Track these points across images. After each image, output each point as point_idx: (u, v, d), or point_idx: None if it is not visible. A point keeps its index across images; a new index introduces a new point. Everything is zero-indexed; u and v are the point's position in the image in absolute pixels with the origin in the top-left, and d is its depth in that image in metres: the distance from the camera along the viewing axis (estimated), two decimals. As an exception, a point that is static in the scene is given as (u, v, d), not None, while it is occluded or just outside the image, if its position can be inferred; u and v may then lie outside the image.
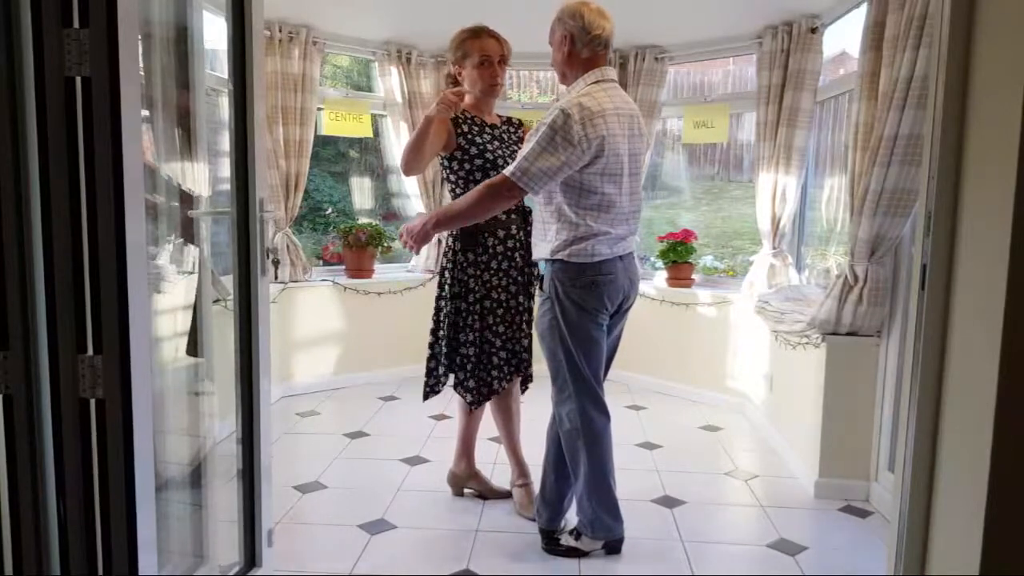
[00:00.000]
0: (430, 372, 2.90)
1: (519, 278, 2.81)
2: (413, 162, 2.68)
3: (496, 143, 2.79)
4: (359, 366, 4.74)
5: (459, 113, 2.74)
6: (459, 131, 2.74)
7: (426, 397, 2.92)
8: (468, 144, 2.73)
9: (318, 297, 4.57)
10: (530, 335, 2.83)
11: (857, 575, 2.47)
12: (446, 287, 2.82)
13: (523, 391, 2.99)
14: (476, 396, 2.82)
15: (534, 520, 2.73)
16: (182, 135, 1.96)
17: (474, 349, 2.77)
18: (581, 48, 2.35)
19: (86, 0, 1.41)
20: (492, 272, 2.77)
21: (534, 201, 2.49)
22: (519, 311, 2.81)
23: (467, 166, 2.73)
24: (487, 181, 2.42)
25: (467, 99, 2.81)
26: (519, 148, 2.71)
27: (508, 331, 2.80)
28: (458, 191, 2.77)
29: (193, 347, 2.03)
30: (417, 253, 2.51)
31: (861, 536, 2.73)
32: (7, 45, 1.42)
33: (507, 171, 2.29)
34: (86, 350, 1.48)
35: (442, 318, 2.84)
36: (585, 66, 2.37)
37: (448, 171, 2.79)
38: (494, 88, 2.76)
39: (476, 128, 2.77)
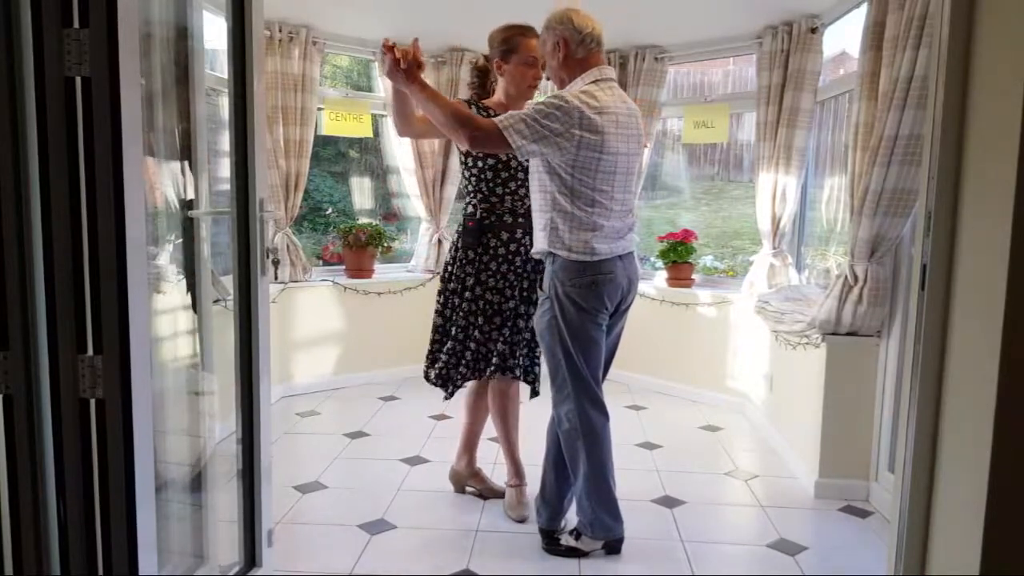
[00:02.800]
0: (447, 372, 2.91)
1: (516, 283, 2.79)
2: (400, 126, 2.66)
3: None
4: (359, 366, 4.74)
5: (482, 111, 2.73)
6: None
7: (448, 395, 2.92)
8: None
9: (318, 297, 4.57)
10: (518, 340, 2.81)
11: (857, 575, 2.47)
12: (445, 281, 2.85)
13: (532, 396, 2.94)
14: (437, 382, 2.84)
15: (521, 522, 2.76)
16: (181, 135, 1.96)
17: (454, 343, 2.79)
18: (576, 49, 2.37)
19: (86, 0, 1.41)
20: (490, 273, 2.76)
21: (531, 191, 2.48)
22: (506, 316, 2.79)
23: (479, 164, 2.73)
24: (476, 116, 2.37)
25: (497, 97, 2.80)
26: None
27: (492, 332, 2.79)
28: (470, 187, 2.78)
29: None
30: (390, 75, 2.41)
31: (861, 536, 2.73)
32: (7, 45, 1.42)
33: (498, 119, 2.27)
34: (86, 350, 1.48)
35: (436, 309, 2.87)
36: (582, 66, 2.38)
37: (464, 167, 2.81)
38: (532, 90, 2.74)
39: None
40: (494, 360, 2.79)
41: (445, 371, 2.82)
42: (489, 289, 2.77)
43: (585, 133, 2.26)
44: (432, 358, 2.90)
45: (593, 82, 2.35)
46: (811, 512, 2.94)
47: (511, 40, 2.69)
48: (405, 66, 2.31)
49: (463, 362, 2.81)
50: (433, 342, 2.90)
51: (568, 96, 2.27)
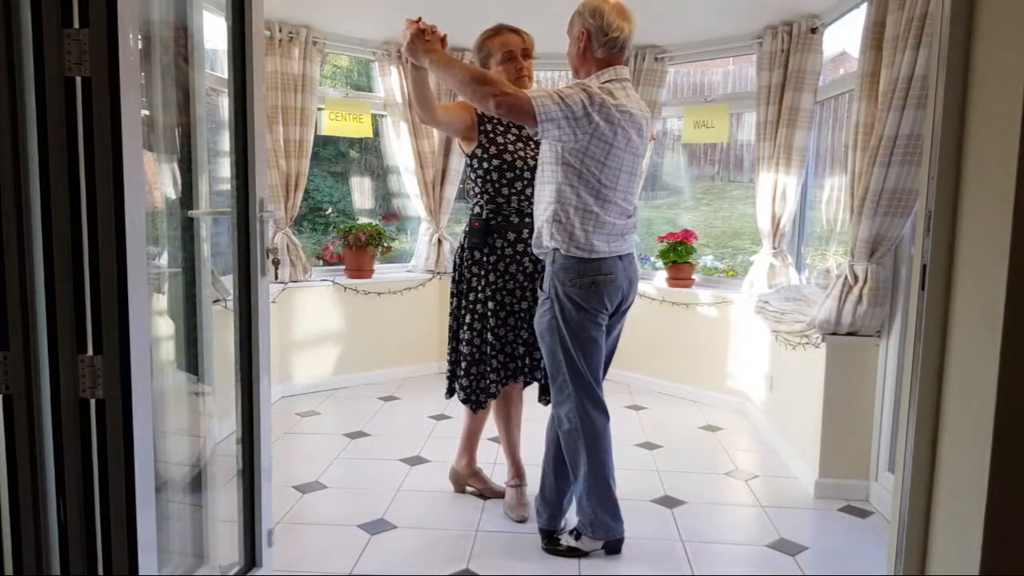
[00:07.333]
0: (450, 370, 2.92)
1: (525, 283, 2.77)
2: (421, 111, 2.63)
3: (520, 144, 2.75)
4: (359, 366, 4.74)
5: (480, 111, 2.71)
6: (482, 128, 2.72)
7: (449, 394, 2.94)
8: (488, 143, 2.71)
9: (318, 297, 4.57)
10: (535, 342, 2.80)
11: (857, 575, 2.47)
12: (456, 283, 2.84)
13: (544, 402, 2.88)
14: (468, 395, 2.80)
15: (521, 522, 2.76)
16: (181, 135, 1.96)
17: (470, 348, 2.76)
18: (597, 48, 2.35)
19: (86, 0, 1.41)
20: (498, 274, 2.74)
21: (537, 184, 2.46)
22: (520, 316, 2.77)
23: (485, 165, 2.71)
24: (502, 79, 2.34)
25: None
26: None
27: (508, 335, 2.78)
28: (476, 188, 2.76)
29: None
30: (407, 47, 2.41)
31: (861, 536, 2.73)
32: (7, 45, 1.42)
33: (531, 92, 2.24)
34: (86, 350, 1.48)
35: (450, 311, 2.87)
36: (599, 64, 2.38)
37: (469, 168, 2.79)
38: (521, 81, 2.66)
39: (501, 128, 2.75)
40: (527, 363, 2.80)
41: (469, 382, 2.78)
42: (499, 290, 2.74)
43: (602, 121, 2.25)
44: (454, 373, 2.87)
45: (608, 81, 2.35)
46: (811, 512, 2.94)
47: (484, 46, 2.72)
48: (429, 37, 2.32)
49: (490, 370, 2.77)
50: (451, 351, 2.88)
51: (590, 85, 2.27)
